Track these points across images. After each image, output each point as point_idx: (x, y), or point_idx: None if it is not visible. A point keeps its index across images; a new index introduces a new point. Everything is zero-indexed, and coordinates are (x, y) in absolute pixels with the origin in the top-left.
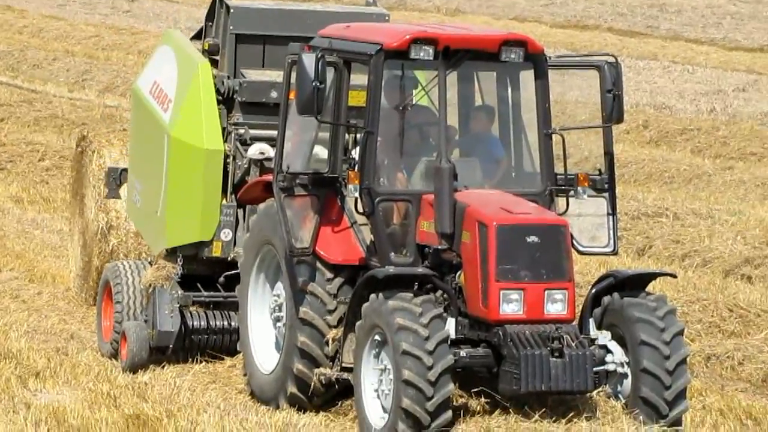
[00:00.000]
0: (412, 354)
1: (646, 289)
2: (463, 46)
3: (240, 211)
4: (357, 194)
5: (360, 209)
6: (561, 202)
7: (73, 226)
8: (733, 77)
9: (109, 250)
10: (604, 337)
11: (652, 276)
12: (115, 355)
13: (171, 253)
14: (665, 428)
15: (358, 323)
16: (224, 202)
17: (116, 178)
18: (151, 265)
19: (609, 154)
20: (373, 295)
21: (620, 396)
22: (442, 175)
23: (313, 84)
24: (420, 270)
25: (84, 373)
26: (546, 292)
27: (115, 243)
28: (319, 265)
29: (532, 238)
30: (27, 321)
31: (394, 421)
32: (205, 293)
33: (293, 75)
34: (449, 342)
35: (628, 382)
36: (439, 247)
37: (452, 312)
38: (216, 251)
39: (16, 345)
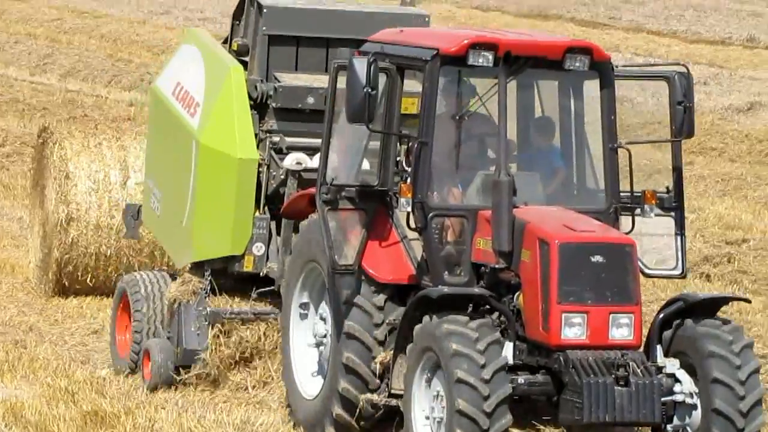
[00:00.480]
0: (467, 382)
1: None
2: (525, 53)
3: (273, 224)
4: (409, 208)
5: (412, 224)
6: (626, 220)
7: (32, 217)
8: (694, 70)
9: (69, 242)
10: (672, 366)
11: (724, 301)
12: (132, 371)
13: (196, 267)
14: None
15: (409, 346)
16: (257, 214)
17: (134, 215)
18: (172, 277)
19: (678, 170)
20: (426, 317)
21: (689, 429)
22: (501, 189)
23: (365, 90)
24: (476, 290)
25: (42, 367)
26: (611, 315)
27: (75, 235)
28: (364, 280)
29: (597, 258)
30: None
31: None
32: (235, 309)
33: (340, 81)
34: (507, 369)
35: (697, 414)
36: (497, 266)
37: (510, 336)
38: (248, 266)
39: None
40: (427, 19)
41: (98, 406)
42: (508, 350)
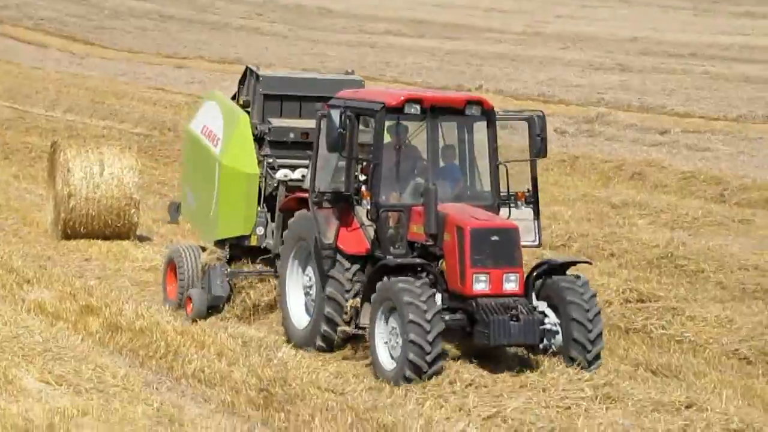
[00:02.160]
0: (415, 322)
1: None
2: (440, 104)
3: (269, 215)
4: (368, 206)
5: (370, 217)
6: (503, 211)
7: (48, 194)
8: None
9: (70, 208)
10: (542, 306)
11: (573, 264)
12: (177, 307)
13: (218, 243)
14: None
15: (373, 296)
16: (259, 208)
17: (176, 209)
18: (203, 249)
19: (534, 178)
20: (385, 278)
21: (553, 347)
22: (429, 194)
23: (338, 131)
24: (418, 260)
25: (56, 280)
26: (504, 275)
27: (73, 204)
28: (339, 257)
29: (494, 237)
30: (22, 249)
31: (401, 368)
32: (246, 270)
33: (322, 125)
34: (440, 312)
35: (559, 338)
36: (427, 243)
37: (439, 289)
38: (253, 242)
39: (16, 263)
40: (362, 83)
41: (89, 302)
42: (438, 299)
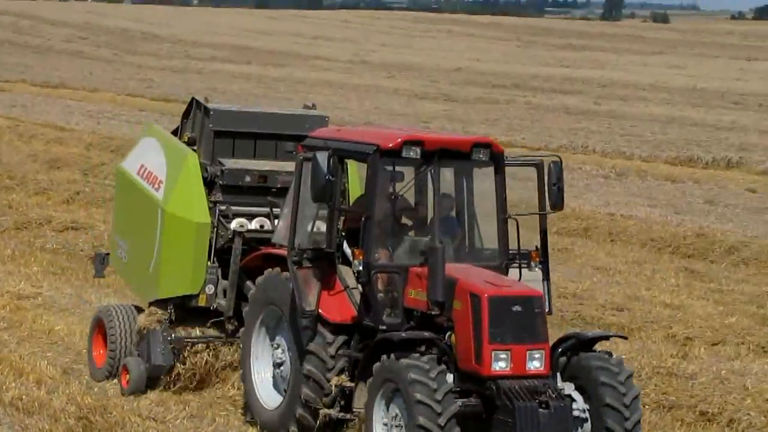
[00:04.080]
0: (424, 403)
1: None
2: (443, 147)
3: (219, 271)
4: (361, 267)
5: (360, 279)
6: (512, 273)
7: None
8: None
9: None
10: (569, 388)
11: (606, 337)
12: (108, 377)
13: (158, 302)
14: None
15: (370, 380)
16: (209, 263)
17: (101, 261)
18: (137, 309)
19: (544, 233)
20: (384, 356)
21: None
22: (436, 254)
23: (326, 177)
24: (426, 334)
25: None
26: (528, 352)
27: None
28: (320, 328)
29: (516, 307)
30: None
31: None
32: (194, 337)
33: (304, 171)
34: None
35: (587, 426)
36: (432, 312)
37: (450, 368)
38: (201, 302)
39: None
40: (326, 119)
41: None
42: (449, 378)
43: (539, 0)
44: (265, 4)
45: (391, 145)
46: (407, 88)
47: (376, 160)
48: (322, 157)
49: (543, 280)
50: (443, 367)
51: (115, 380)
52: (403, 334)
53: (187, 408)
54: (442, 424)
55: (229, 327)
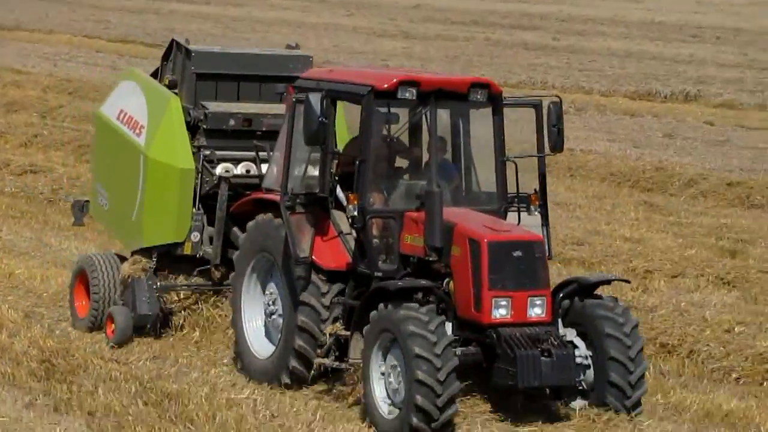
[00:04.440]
0: (423, 357)
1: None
2: (440, 88)
3: (205, 218)
4: (356, 212)
5: (355, 224)
6: (511, 217)
7: None
8: None
9: None
10: (571, 334)
11: (608, 282)
12: (92, 328)
13: (142, 250)
14: None
15: (367, 327)
16: (193, 210)
17: (81, 208)
18: (120, 258)
19: (543, 176)
20: (381, 305)
21: (584, 384)
22: (434, 198)
23: (320, 119)
24: (423, 282)
25: None
26: (529, 298)
27: None
28: (314, 275)
29: (517, 253)
30: None
31: (407, 415)
32: (181, 283)
33: (296, 113)
34: (452, 345)
35: (590, 372)
36: (430, 258)
37: (449, 316)
38: (187, 250)
39: None
40: (310, 59)
41: None
42: (449, 328)
43: None
44: None
45: (386, 85)
46: (366, 26)
47: (370, 102)
48: (315, 99)
49: (542, 224)
50: (442, 318)
51: (94, 330)
52: (400, 283)
53: (149, 349)
54: (442, 379)
55: (216, 275)
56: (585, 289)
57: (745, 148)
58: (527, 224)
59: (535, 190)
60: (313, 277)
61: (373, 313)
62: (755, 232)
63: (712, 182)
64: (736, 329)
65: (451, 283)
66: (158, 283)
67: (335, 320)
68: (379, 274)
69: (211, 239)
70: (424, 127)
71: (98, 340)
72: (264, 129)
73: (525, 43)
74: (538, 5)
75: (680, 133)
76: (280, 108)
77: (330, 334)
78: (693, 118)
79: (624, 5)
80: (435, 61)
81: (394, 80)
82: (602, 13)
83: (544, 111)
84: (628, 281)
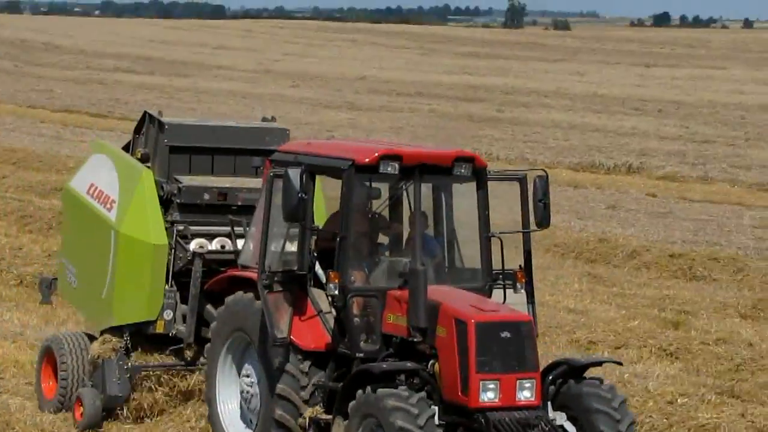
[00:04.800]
0: (405, 429)
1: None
2: (423, 162)
3: (178, 295)
4: (336, 291)
5: (335, 303)
6: (496, 294)
7: None
8: None
9: None
10: (561, 418)
11: (599, 363)
12: (59, 409)
13: (112, 329)
14: None
15: (351, 408)
16: (167, 287)
17: (48, 286)
18: (89, 337)
19: (528, 253)
20: (365, 389)
21: None
22: (418, 277)
23: (299, 195)
24: (409, 365)
25: None
26: (518, 381)
27: None
28: (291, 365)
29: (505, 333)
30: None
31: None
32: (153, 364)
33: (274, 188)
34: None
35: None
36: (414, 339)
37: (435, 400)
38: (159, 328)
39: None
40: (287, 132)
41: None
42: (436, 418)
43: (441, 8)
44: (168, 15)
45: (367, 160)
46: (311, 97)
47: (351, 176)
48: (294, 174)
49: (528, 302)
50: (434, 409)
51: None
52: (384, 365)
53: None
54: None
55: (189, 354)
56: (575, 371)
57: (686, 219)
58: (512, 302)
59: (519, 266)
60: (291, 366)
61: (358, 395)
62: (697, 303)
63: (655, 254)
64: (678, 400)
65: (436, 365)
66: (129, 364)
67: (315, 403)
68: (361, 355)
69: (184, 317)
70: (406, 202)
71: (39, 413)
72: (239, 203)
73: (470, 115)
74: (483, 77)
75: (623, 204)
76: (255, 182)
77: (310, 418)
78: (636, 190)
79: (567, 78)
80: (380, 132)
81: (376, 154)
82: (546, 86)
83: (531, 184)
84: (620, 363)
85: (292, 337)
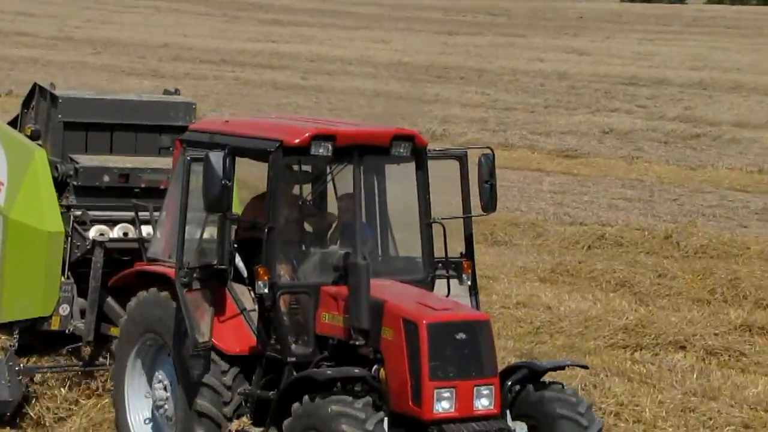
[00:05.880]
0: None
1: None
2: (359, 142)
3: (75, 288)
4: (266, 290)
5: (267, 302)
6: (438, 286)
7: None
8: None
9: None
10: (521, 428)
11: (562, 367)
12: None
13: (3, 326)
14: None
15: (287, 423)
16: (63, 279)
17: None
18: None
19: (469, 239)
20: (305, 397)
21: None
22: (359, 272)
23: (222, 182)
24: (357, 372)
25: None
26: (475, 388)
27: None
28: (214, 356)
29: (461, 335)
30: None
31: None
32: (47, 365)
33: (192, 173)
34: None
35: None
36: (354, 342)
37: (385, 410)
38: (54, 325)
39: None
40: (193, 106)
41: None
42: (383, 417)
43: None
44: None
45: (297, 141)
46: (114, 64)
47: (279, 159)
48: (217, 159)
49: (471, 294)
50: (381, 414)
51: None
52: (329, 372)
53: None
54: None
55: (87, 354)
56: (536, 375)
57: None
58: (454, 294)
59: (461, 254)
60: (213, 379)
61: (296, 406)
62: (498, 268)
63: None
64: None
65: (382, 371)
66: (21, 365)
67: (239, 415)
68: (293, 359)
69: (82, 313)
70: (338, 186)
71: None
72: (143, 185)
73: (274, 82)
74: (287, 45)
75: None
76: (160, 161)
77: (237, 431)
78: None
79: (372, 45)
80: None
81: (307, 134)
82: (350, 54)
83: (477, 164)
84: (586, 367)
85: (213, 340)
